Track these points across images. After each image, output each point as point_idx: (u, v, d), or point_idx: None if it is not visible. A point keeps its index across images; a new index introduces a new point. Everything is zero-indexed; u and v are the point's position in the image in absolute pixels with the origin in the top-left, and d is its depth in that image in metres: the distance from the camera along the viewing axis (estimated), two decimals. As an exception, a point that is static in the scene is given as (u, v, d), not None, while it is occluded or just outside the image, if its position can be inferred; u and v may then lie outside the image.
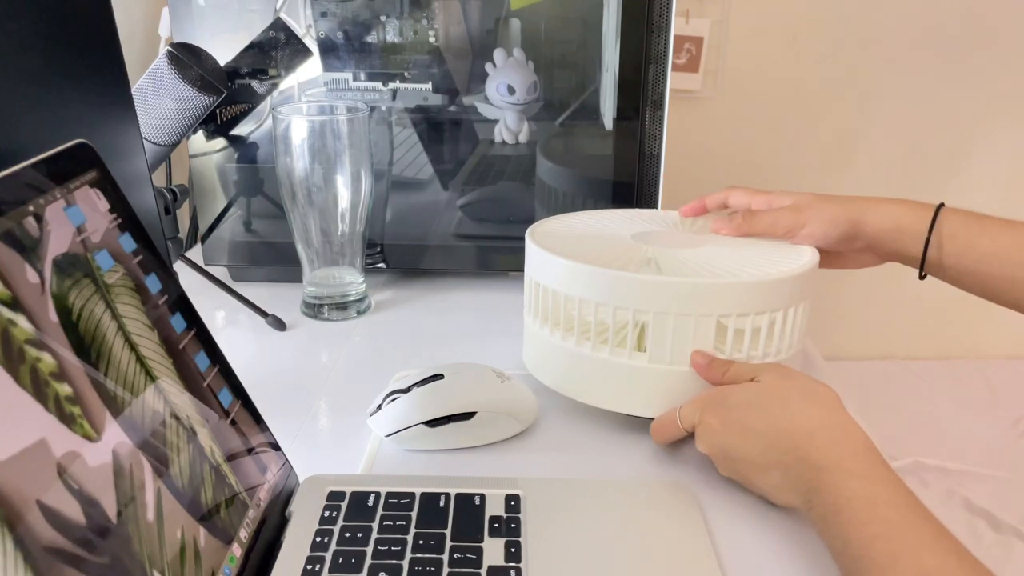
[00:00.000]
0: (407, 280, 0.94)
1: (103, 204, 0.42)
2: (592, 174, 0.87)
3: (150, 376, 0.41)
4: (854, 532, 0.44)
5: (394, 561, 0.46)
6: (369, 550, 0.47)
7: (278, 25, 0.83)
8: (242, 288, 0.84)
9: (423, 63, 0.84)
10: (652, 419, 0.60)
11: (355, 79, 0.85)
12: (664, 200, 0.86)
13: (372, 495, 0.51)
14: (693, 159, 1.44)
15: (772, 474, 0.51)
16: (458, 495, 0.52)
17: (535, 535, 0.49)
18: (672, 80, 0.82)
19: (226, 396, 0.48)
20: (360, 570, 0.46)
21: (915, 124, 1.58)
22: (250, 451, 0.49)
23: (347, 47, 0.84)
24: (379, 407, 0.61)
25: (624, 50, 0.81)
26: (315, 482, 0.53)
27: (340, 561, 0.46)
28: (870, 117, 1.57)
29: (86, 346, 0.37)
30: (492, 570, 0.46)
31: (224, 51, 0.83)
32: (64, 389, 0.34)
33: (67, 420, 0.34)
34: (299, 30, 0.83)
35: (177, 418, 0.42)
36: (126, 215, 0.43)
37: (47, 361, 0.34)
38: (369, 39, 0.83)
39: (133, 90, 0.62)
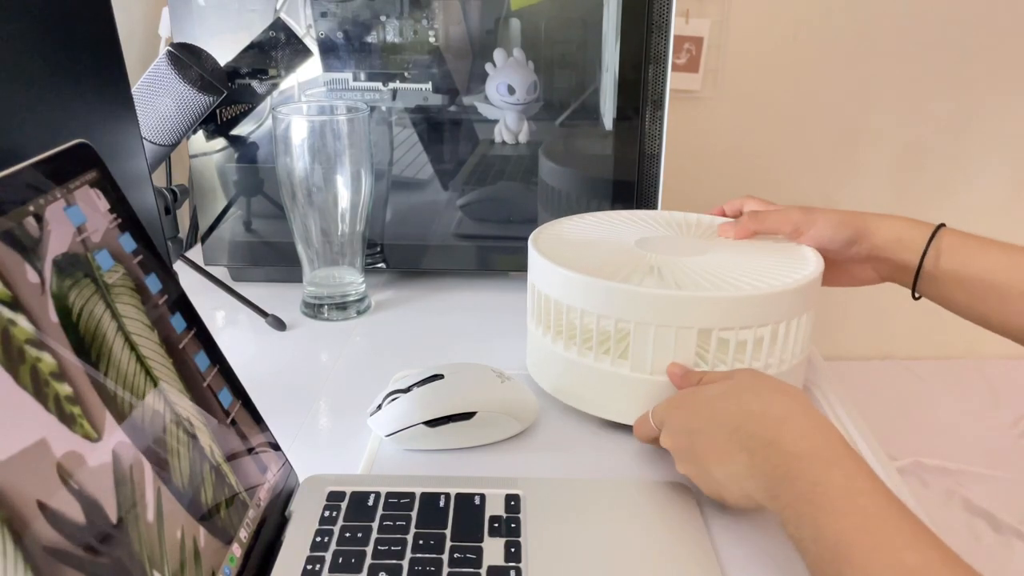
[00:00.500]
0: (407, 280, 0.94)
1: (103, 204, 0.42)
2: (592, 174, 0.87)
3: (150, 376, 0.41)
4: (829, 523, 0.41)
5: (394, 561, 0.46)
6: (369, 550, 0.47)
7: (278, 25, 0.83)
8: (242, 288, 0.84)
9: (423, 63, 0.84)
10: None
11: (355, 79, 0.85)
12: (664, 200, 0.86)
13: (372, 495, 0.51)
14: (693, 159, 1.44)
15: (736, 460, 0.48)
16: (458, 495, 0.52)
17: (535, 535, 0.49)
18: (672, 80, 0.82)
19: (226, 396, 0.48)
20: (360, 570, 0.46)
21: (915, 124, 1.58)
22: (250, 451, 0.49)
23: (347, 47, 0.84)
24: (379, 407, 0.61)
25: (624, 50, 0.81)
26: (315, 482, 0.53)
27: (340, 561, 0.46)
28: (870, 117, 1.57)
29: (86, 346, 0.37)
30: (492, 570, 0.46)
31: (224, 51, 0.83)
32: (64, 389, 0.34)
33: (67, 420, 0.34)
34: (299, 30, 0.83)
35: (177, 418, 0.42)
36: (126, 215, 0.43)
37: (47, 361, 0.34)
38: (369, 39, 0.83)
39: (133, 90, 0.62)
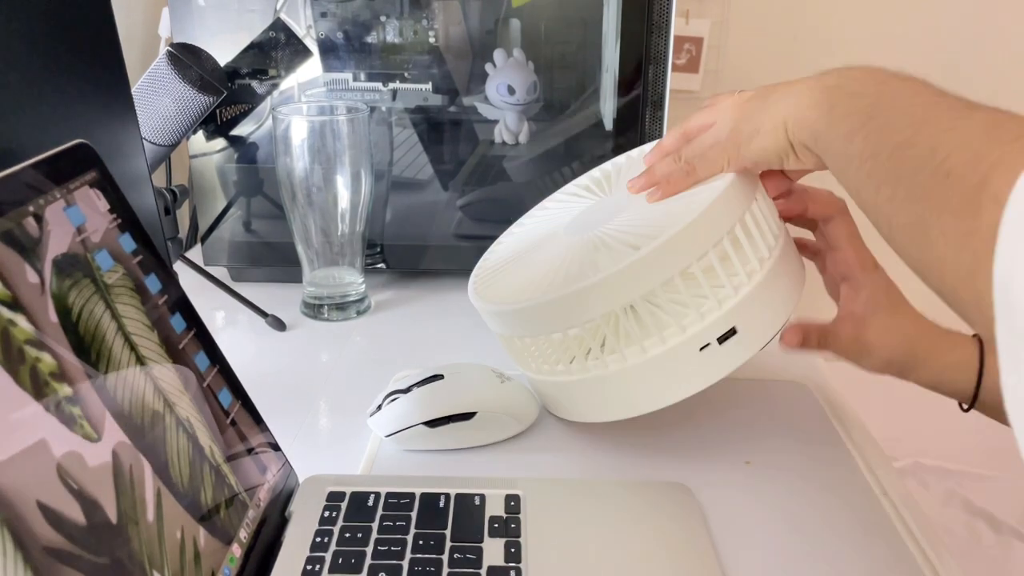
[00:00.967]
0: (407, 280, 0.94)
1: (103, 204, 0.42)
2: (592, 174, 0.87)
3: (150, 376, 0.41)
4: (903, 118, 0.39)
5: (394, 561, 0.46)
6: (369, 550, 0.47)
7: (278, 25, 0.83)
8: (242, 288, 0.84)
9: (423, 63, 0.84)
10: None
11: (355, 79, 0.85)
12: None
13: (372, 495, 0.51)
14: (693, 159, 1.43)
15: (796, 87, 0.49)
16: (458, 495, 0.52)
17: (535, 535, 0.49)
18: (672, 80, 0.82)
19: (226, 396, 0.48)
20: (360, 570, 0.46)
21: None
22: (250, 451, 0.49)
23: (347, 47, 0.84)
24: (379, 407, 0.61)
25: (624, 50, 0.81)
26: (315, 482, 0.53)
27: (340, 561, 0.46)
28: (870, 117, 1.56)
29: (86, 346, 0.37)
30: (492, 570, 0.46)
31: (224, 51, 0.83)
32: (64, 389, 0.34)
33: (67, 420, 0.34)
34: (299, 30, 0.83)
35: (177, 418, 0.42)
36: (126, 215, 0.43)
37: (47, 361, 0.34)
38: (369, 39, 0.83)
39: (133, 90, 0.62)
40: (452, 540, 0.48)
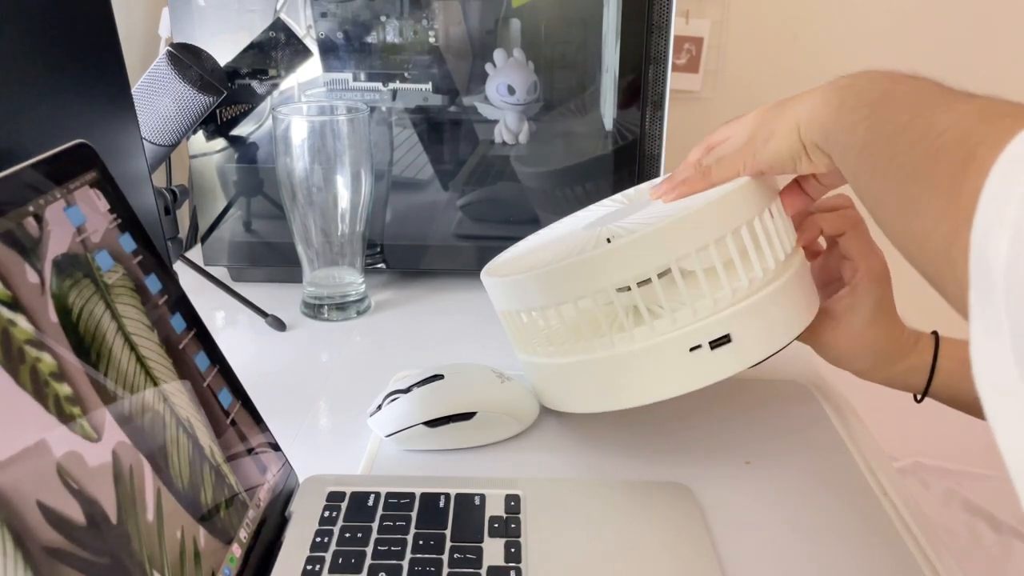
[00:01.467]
0: (407, 280, 0.94)
1: (103, 204, 0.42)
2: (592, 174, 0.87)
3: (150, 376, 0.41)
4: (904, 106, 0.39)
5: (394, 561, 0.46)
6: (369, 550, 0.47)
7: (278, 25, 0.83)
8: (242, 288, 0.84)
9: (423, 63, 0.84)
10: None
11: (355, 79, 0.85)
12: (664, 200, 0.86)
13: (372, 495, 0.51)
14: (693, 159, 1.43)
15: (813, 91, 0.49)
16: (458, 495, 0.52)
17: (535, 535, 0.49)
18: (672, 80, 0.82)
19: (226, 396, 0.48)
20: (360, 570, 0.46)
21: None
22: (250, 451, 0.49)
23: (347, 47, 0.84)
24: (379, 407, 0.61)
25: (624, 50, 0.81)
26: (315, 482, 0.53)
27: (340, 561, 0.46)
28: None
29: (86, 346, 0.37)
30: (492, 570, 0.46)
31: (224, 51, 0.83)
32: (64, 389, 0.34)
33: (67, 420, 0.34)
34: (299, 30, 0.83)
35: (177, 418, 0.42)
36: (126, 215, 0.43)
37: (47, 361, 0.34)
38: (369, 39, 0.83)
39: (133, 90, 0.62)
40: (452, 540, 0.48)
